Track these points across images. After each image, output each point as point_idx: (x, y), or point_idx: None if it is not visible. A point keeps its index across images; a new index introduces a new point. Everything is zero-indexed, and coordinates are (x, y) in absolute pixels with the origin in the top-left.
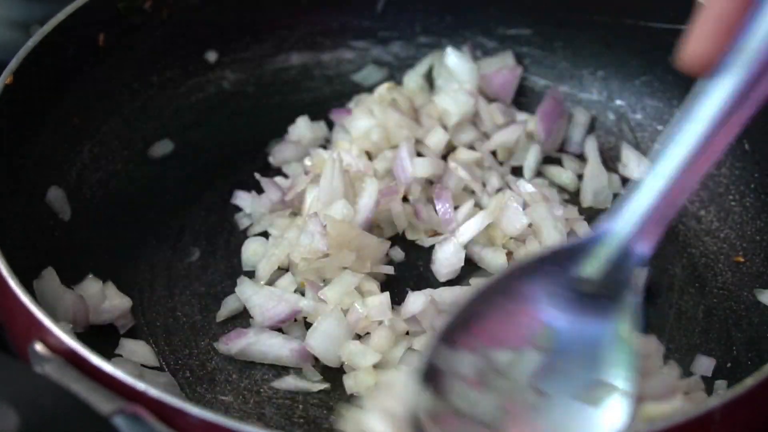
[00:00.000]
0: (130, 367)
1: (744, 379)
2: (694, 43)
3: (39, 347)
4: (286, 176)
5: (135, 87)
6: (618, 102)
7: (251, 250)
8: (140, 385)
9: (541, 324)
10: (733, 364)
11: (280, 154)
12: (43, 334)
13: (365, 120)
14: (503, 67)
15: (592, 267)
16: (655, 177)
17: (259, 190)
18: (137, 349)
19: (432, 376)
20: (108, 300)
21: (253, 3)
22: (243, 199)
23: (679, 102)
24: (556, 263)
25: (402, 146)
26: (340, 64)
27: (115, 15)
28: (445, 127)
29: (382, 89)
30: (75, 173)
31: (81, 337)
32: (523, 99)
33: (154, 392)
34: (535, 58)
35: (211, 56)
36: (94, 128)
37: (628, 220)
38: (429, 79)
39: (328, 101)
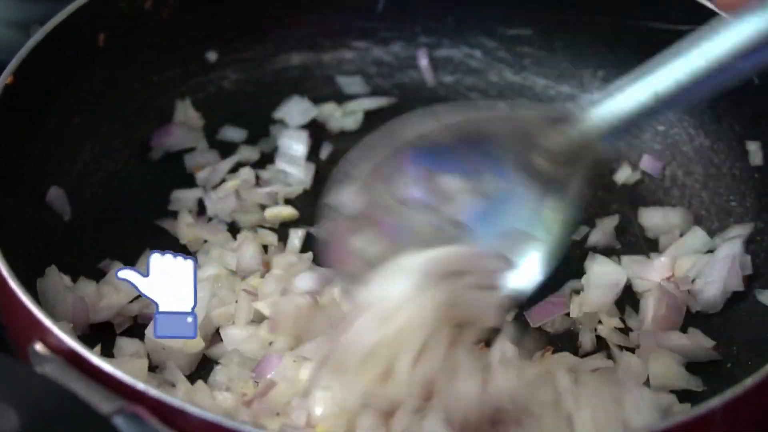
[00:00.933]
0: (129, 365)
1: (744, 379)
2: None
3: (39, 347)
4: None
5: (135, 87)
6: None
7: None
8: (140, 385)
9: (490, 171)
10: (733, 364)
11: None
12: (43, 334)
13: None
14: None
15: (556, 140)
16: (645, 87)
17: None
18: (133, 348)
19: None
20: (105, 298)
21: (253, 3)
22: None
23: None
24: (525, 126)
25: None
26: (341, 65)
27: (115, 15)
28: None
29: None
30: (75, 173)
31: (79, 338)
32: (523, 99)
33: (154, 392)
34: (535, 59)
35: (212, 56)
36: (95, 128)
37: (606, 115)
38: None
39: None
